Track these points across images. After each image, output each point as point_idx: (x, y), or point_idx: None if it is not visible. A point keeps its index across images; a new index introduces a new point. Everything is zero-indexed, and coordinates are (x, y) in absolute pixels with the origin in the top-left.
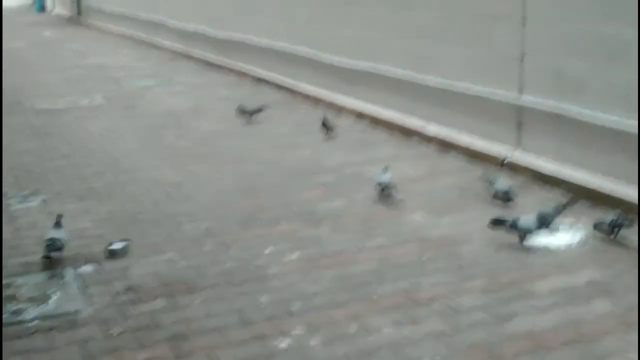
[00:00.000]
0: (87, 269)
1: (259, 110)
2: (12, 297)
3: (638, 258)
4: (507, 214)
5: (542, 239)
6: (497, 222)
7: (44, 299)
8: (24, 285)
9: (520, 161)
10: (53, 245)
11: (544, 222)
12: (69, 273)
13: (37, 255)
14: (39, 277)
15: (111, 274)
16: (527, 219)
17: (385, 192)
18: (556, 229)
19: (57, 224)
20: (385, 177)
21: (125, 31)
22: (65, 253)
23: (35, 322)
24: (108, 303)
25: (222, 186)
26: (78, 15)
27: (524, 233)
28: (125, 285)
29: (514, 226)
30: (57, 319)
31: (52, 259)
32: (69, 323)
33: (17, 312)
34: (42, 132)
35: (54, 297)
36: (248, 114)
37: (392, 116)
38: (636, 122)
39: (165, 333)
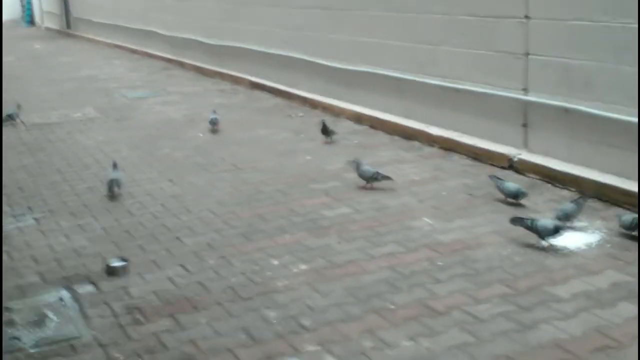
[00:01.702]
0: (85, 289)
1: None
2: (10, 322)
3: None
4: (521, 215)
5: (560, 240)
6: (516, 220)
7: (42, 323)
8: (21, 309)
9: (528, 161)
10: (115, 183)
11: (565, 220)
12: (66, 295)
13: (34, 277)
14: (37, 300)
15: (111, 294)
16: (545, 221)
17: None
18: (574, 229)
19: (115, 167)
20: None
21: (116, 42)
22: (63, 272)
23: (34, 350)
24: (109, 325)
25: (222, 197)
26: (68, 27)
27: (542, 233)
28: (126, 306)
29: (532, 226)
30: (57, 345)
31: (115, 194)
32: (69, 348)
33: (15, 339)
34: (34, 147)
35: (53, 321)
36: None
37: (392, 119)
38: None
39: (172, 356)
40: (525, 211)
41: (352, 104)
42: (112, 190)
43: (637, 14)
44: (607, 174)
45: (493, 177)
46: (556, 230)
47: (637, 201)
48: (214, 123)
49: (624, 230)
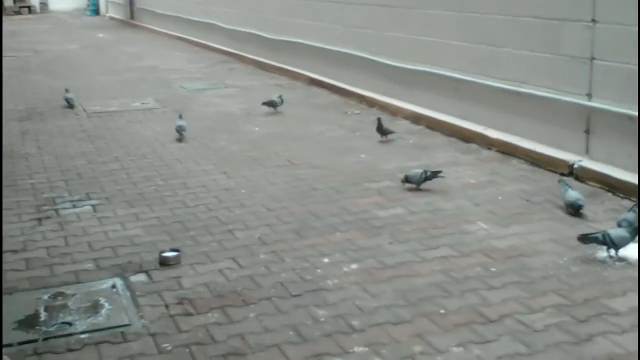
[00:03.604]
0: (138, 278)
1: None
2: (63, 307)
3: None
4: (580, 225)
5: (620, 251)
6: (586, 238)
7: (94, 310)
8: (74, 295)
9: (588, 169)
10: (182, 128)
11: (633, 231)
12: (119, 283)
13: (89, 264)
14: (90, 287)
15: (163, 284)
16: (618, 231)
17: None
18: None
19: (180, 117)
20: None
21: (178, 33)
22: (117, 259)
23: (85, 335)
24: (160, 315)
25: (275, 192)
26: (131, 17)
27: (619, 244)
28: (177, 296)
29: (605, 239)
30: (108, 332)
31: (182, 137)
32: (119, 336)
33: (67, 324)
34: (94, 135)
35: (105, 309)
36: (272, 104)
37: (450, 120)
38: None
39: (221, 349)
40: (584, 221)
41: (410, 103)
42: (181, 134)
43: None
44: None
45: (562, 181)
46: (632, 239)
47: None
48: (275, 105)
49: None
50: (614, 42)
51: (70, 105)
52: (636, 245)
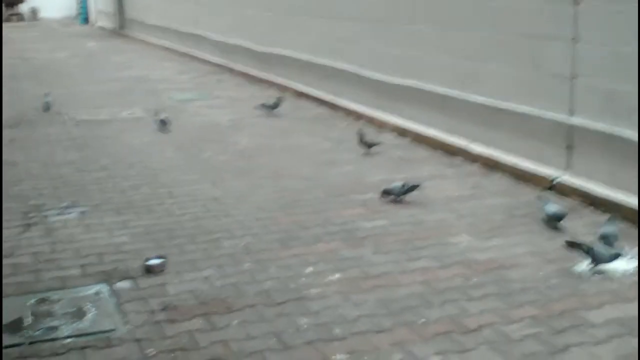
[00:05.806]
0: (123, 285)
1: (276, 105)
2: (48, 313)
3: None
4: (559, 239)
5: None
6: (573, 244)
7: (79, 315)
8: (59, 300)
9: (569, 184)
10: (164, 122)
11: (609, 243)
12: (105, 289)
13: (75, 270)
14: (76, 292)
15: (148, 291)
16: (603, 249)
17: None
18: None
19: (157, 112)
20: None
21: (167, 44)
22: (103, 266)
23: (70, 340)
24: (144, 321)
25: (261, 202)
26: (121, 27)
27: (599, 260)
28: (162, 303)
29: (589, 252)
30: (92, 337)
31: (165, 130)
32: (104, 341)
33: (52, 329)
34: (81, 143)
35: (90, 314)
36: (269, 108)
37: (435, 134)
38: None
39: (203, 355)
40: (564, 234)
41: (396, 117)
42: (162, 126)
43: None
44: None
45: (541, 197)
46: (612, 258)
47: None
48: (274, 107)
49: None
50: (594, 60)
51: (46, 108)
52: (614, 262)
